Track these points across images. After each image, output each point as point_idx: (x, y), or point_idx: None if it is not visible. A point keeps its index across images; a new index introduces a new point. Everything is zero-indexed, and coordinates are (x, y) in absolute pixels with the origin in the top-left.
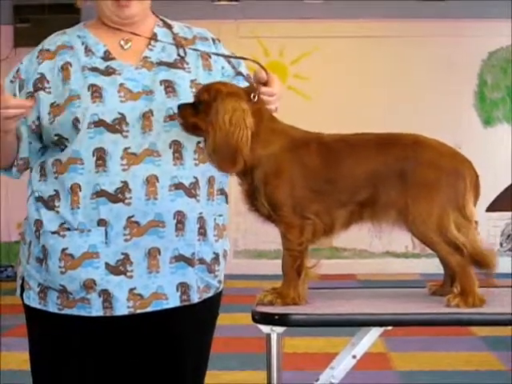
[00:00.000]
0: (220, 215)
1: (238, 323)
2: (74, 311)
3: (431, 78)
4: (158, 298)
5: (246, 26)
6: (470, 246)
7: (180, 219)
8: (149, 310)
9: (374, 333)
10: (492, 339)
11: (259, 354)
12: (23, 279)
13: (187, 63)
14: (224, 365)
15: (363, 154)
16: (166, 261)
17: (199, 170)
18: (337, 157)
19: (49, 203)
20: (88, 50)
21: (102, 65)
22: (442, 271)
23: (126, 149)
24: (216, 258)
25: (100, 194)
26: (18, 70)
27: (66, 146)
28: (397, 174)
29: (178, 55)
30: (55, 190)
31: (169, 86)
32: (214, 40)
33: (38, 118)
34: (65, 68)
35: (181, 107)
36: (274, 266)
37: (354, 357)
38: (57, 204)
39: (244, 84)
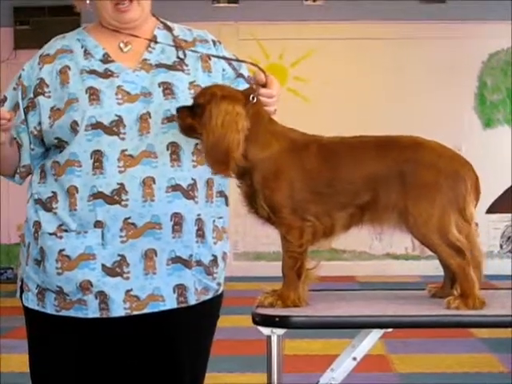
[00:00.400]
0: (220, 217)
1: (238, 325)
2: (71, 313)
3: (431, 80)
4: (154, 299)
5: (245, 28)
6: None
7: (177, 221)
8: (145, 311)
9: (375, 335)
10: (492, 341)
11: (259, 356)
12: (22, 281)
13: (186, 65)
14: (224, 367)
15: (363, 156)
16: (162, 262)
17: (197, 171)
18: (336, 159)
19: (47, 205)
20: (87, 53)
21: (100, 67)
22: (442, 273)
23: (123, 151)
24: (214, 261)
25: (97, 195)
26: (20, 77)
27: (65, 149)
28: (397, 176)
29: (178, 57)
30: (53, 192)
31: (167, 88)
32: (214, 42)
33: (40, 123)
34: (63, 71)
35: (179, 110)
36: (274, 268)
37: (355, 359)
38: (55, 206)
39: (245, 86)
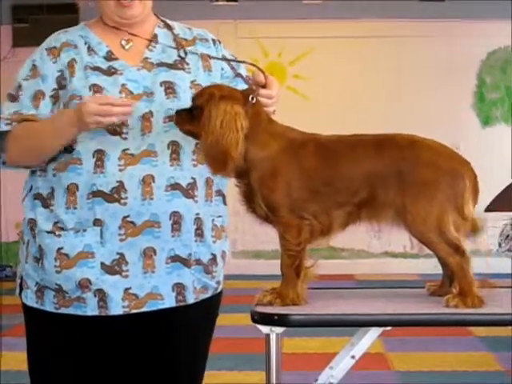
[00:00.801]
0: (219, 216)
1: (236, 323)
2: (70, 310)
3: (430, 79)
4: (153, 298)
5: (244, 27)
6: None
7: (176, 220)
8: (144, 310)
9: (373, 333)
10: (491, 339)
11: (258, 355)
12: (22, 278)
13: (187, 64)
14: (223, 365)
15: (361, 154)
16: (161, 261)
17: (197, 170)
18: (334, 157)
19: (46, 201)
20: (90, 50)
21: (104, 64)
22: (440, 271)
23: (124, 150)
24: (213, 259)
25: (96, 193)
26: (34, 67)
27: (69, 145)
28: (395, 174)
29: (179, 56)
30: (51, 188)
31: (169, 87)
32: (214, 41)
33: None
34: (70, 65)
35: (177, 113)
36: (273, 266)
37: (353, 357)
38: (52, 202)
39: (243, 86)
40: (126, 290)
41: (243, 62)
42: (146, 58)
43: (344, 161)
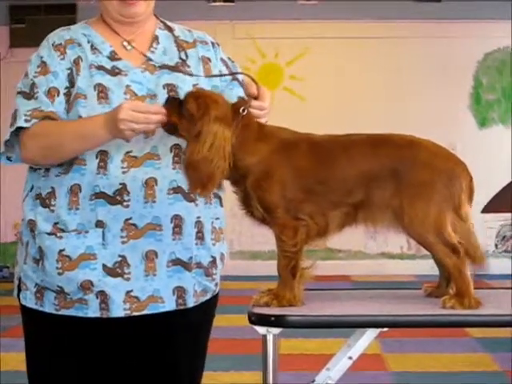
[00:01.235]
0: (217, 218)
1: (233, 324)
2: (72, 312)
3: (426, 80)
4: (154, 301)
5: (241, 27)
6: (466, 240)
7: (177, 223)
8: (145, 312)
9: (370, 334)
10: (488, 340)
11: (255, 355)
12: (20, 279)
13: (189, 66)
14: (220, 366)
15: (356, 154)
16: (163, 264)
17: None
18: (328, 157)
19: (45, 201)
20: (94, 48)
21: (108, 64)
22: (437, 272)
23: (127, 152)
24: (213, 262)
25: (99, 195)
26: (44, 63)
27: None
28: (391, 175)
29: (180, 58)
30: (52, 188)
31: (172, 90)
32: (213, 44)
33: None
34: (76, 62)
35: (167, 101)
36: (270, 267)
37: (350, 358)
38: (53, 202)
39: (239, 89)
40: (128, 292)
41: (238, 73)
42: (149, 59)
43: (338, 160)
